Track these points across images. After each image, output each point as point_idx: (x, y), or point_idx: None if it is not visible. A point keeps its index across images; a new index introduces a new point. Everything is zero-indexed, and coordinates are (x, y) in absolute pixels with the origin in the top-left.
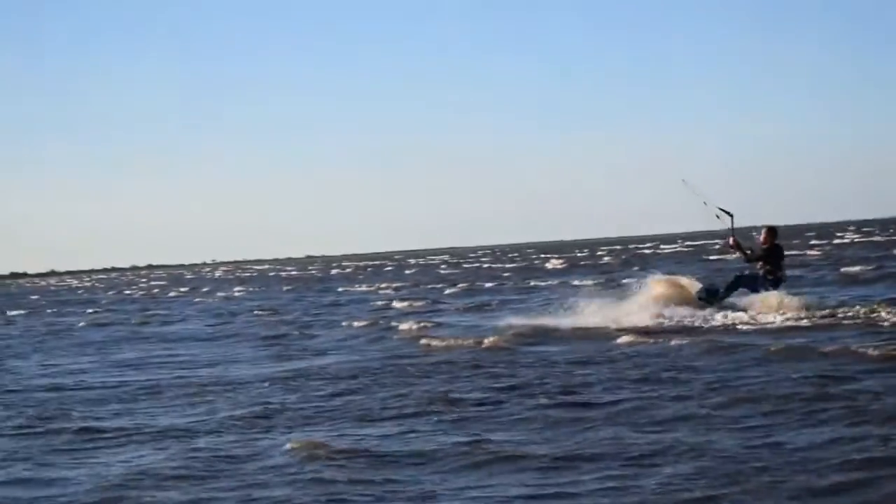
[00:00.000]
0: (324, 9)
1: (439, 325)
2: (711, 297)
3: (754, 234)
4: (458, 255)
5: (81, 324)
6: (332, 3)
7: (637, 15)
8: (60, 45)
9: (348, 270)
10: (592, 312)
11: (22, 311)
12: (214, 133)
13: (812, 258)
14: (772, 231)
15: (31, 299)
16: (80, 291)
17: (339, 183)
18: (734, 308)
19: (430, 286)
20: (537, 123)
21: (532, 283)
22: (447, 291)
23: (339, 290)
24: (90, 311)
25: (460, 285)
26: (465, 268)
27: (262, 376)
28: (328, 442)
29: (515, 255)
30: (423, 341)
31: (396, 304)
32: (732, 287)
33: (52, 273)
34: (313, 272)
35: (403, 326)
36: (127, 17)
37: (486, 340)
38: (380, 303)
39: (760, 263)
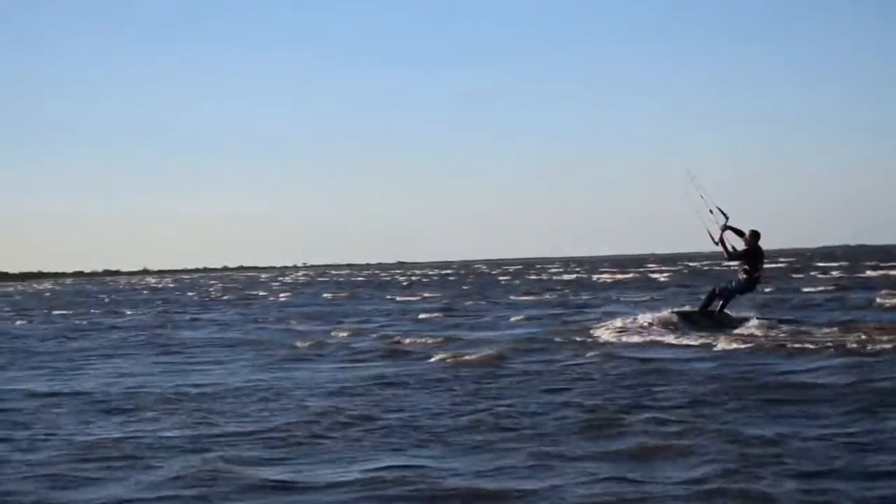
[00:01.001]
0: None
1: None
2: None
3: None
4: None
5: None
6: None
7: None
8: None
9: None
10: None
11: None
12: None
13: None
14: (755, 234)
15: (146, 297)
16: (190, 293)
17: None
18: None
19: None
20: None
21: None
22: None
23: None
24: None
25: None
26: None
27: None
28: None
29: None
30: None
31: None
32: (709, 300)
33: (145, 272)
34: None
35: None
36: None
37: None
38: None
39: (739, 263)
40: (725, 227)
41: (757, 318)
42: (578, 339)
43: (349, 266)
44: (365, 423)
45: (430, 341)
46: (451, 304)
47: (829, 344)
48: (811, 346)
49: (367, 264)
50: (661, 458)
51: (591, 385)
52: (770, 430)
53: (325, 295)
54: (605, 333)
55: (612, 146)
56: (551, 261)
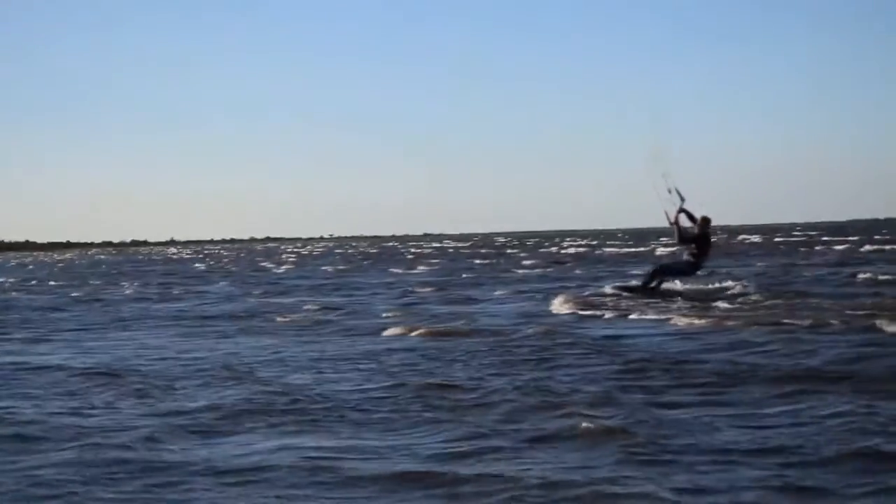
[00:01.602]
0: None
1: None
2: (646, 284)
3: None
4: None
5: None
6: None
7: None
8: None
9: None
10: None
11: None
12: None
13: None
14: (706, 220)
15: (154, 269)
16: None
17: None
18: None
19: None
20: None
21: None
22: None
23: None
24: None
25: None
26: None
27: None
28: None
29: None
30: None
31: None
32: (655, 275)
33: (172, 242)
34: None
35: None
36: None
37: None
38: None
39: (688, 246)
40: (681, 210)
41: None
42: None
43: (374, 238)
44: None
45: (390, 315)
46: (445, 280)
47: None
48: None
49: (393, 236)
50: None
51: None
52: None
53: (325, 268)
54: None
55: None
56: (581, 233)
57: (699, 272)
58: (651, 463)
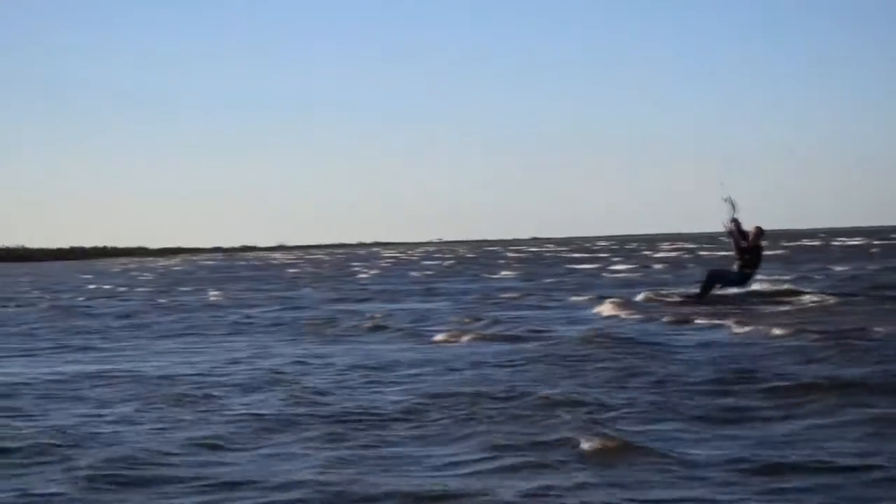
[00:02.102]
0: None
1: None
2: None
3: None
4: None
5: None
6: None
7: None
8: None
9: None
10: None
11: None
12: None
13: None
14: (759, 231)
15: (243, 275)
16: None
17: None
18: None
19: None
20: None
21: None
22: None
23: None
24: None
25: None
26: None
27: None
28: None
29: None
30: None
31: None
32: (709, 281)
33: (281, 247)
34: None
35: None
36: None
37: None
38: None
39: (741, 257)
40: (733, 220)
41: None
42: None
43: (480, 242)
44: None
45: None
46: (529, 285)
47: None
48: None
49: (500, 240)
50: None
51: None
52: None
53: (413, 273)
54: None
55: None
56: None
57: (750, 282)
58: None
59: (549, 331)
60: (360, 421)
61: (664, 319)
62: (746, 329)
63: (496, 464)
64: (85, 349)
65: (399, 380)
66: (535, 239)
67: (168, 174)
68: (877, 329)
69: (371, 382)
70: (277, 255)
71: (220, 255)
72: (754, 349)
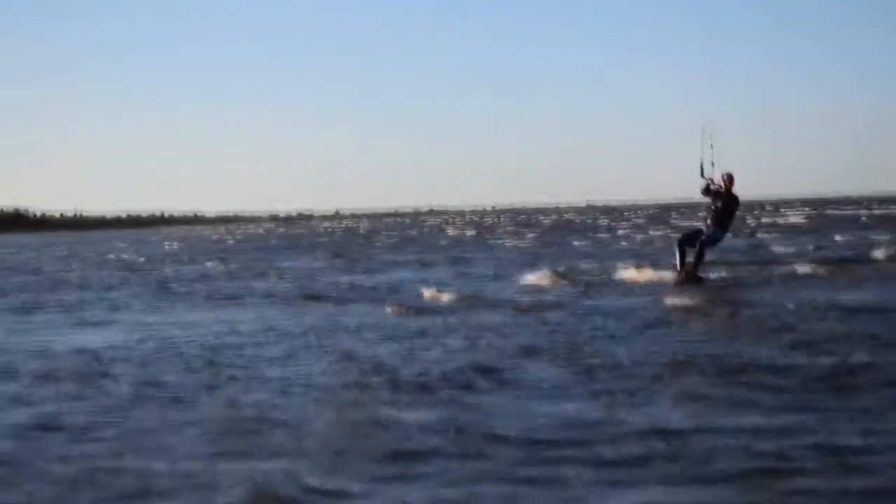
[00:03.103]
0: None
1: None
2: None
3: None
4: None
5: None
6: None
7: None
8: None
9: None
10: None
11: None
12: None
13: None
14: (730, 178)
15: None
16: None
17: None
18: None
19: None
20: None
21: None
22: None
23: None
24: None
25: None
26: None
27: None
28: None
29: None
30: None
31: None
32: (681, 252)
33: (337, 215)
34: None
35: None
36: None
37: None
38: None
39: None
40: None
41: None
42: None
43: (534, 209)
44: None
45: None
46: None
47: None
48: None
49: (556, 207)
50: None
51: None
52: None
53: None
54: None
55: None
56: None
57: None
58: None
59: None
60: None
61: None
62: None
63: None
64: None
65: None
66: (590, 206)
67: (229, 136)
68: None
69: None
70: (345, 222)
71: (277, 223)
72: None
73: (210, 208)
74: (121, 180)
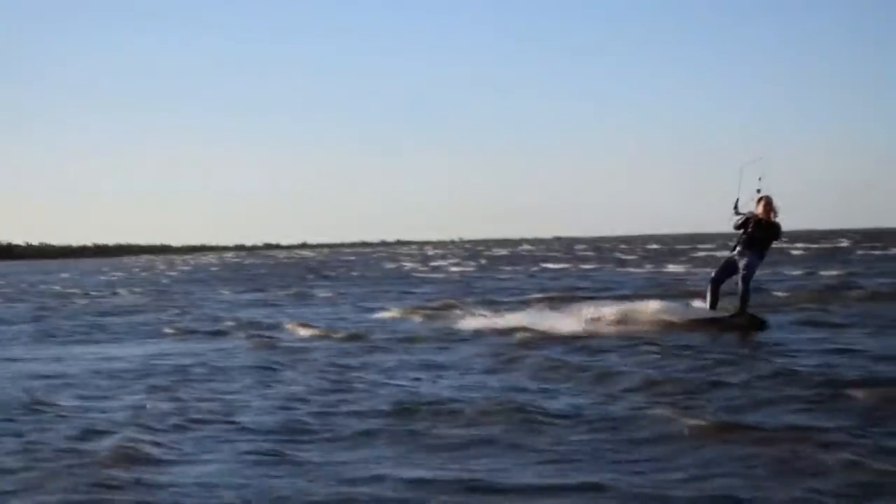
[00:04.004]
0: None
1: None
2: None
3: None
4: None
5: None
6: None
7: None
8: None
9: None
10: None
11: None
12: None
13: None
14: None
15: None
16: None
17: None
18: None
19: None
20: None
21: None
22: None
23: None
24: None
25: None
26: None
27: None
28: None
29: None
30: None
31: None
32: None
33: (304, 245)
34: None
35: None
36: None
37: None
38: None
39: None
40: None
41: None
42: None
43: (502, 241)
44: None
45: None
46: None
47: None
48: None
49: (523, 238)
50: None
51: None
52: None
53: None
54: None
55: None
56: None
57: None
58: None
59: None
60: None
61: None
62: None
63: None
64: None
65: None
66: (558, 238)
67: (186, 171)
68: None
69: None
70: (308, 252)
71: (243, 253)
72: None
73: (181, 239)
74: (93, 211)
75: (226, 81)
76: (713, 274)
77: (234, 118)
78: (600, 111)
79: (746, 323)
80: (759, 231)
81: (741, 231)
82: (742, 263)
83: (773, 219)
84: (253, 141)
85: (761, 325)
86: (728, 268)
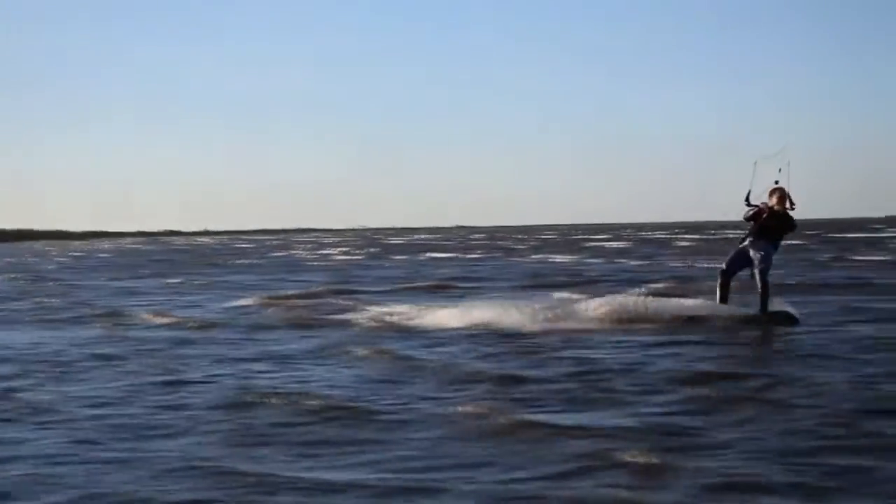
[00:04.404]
0: None
1: None
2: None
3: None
4: None
5: None
6: None
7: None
8: None
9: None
10: None
11: None
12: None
13: None
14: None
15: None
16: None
17: None
18: None
19: None
20: None
21: None
22: None
23: None
24: None
25: None
26: None
27: None
28: None
29: None
30: None
31: None
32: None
33: (206, 232)
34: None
35: None
36: None
37: None
38: None
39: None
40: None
41: None
42: None
43: (403, 229)
44: None
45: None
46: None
47: None
48: None
49: (423, 227)
50: None
51: None
52: None
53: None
54: None
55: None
56: None
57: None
58: None
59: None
60: None
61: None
62: None
63: None
64: None
65: None
66: (525, 227)
67: (86, 156)
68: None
69: None
70: (208, 239)
71: (143, 239)
72: None
73: (81, 225)
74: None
75: (122, 70)
76: (723, 265)
77: (139, 104)
78: (507, 103)
79: (772, 320)
80: (773, 221)
81: (752, 222)
82: (757, 255)
83: (787, 210)
84: (160, 129)
85: (791, 320)
86: (739, 259)
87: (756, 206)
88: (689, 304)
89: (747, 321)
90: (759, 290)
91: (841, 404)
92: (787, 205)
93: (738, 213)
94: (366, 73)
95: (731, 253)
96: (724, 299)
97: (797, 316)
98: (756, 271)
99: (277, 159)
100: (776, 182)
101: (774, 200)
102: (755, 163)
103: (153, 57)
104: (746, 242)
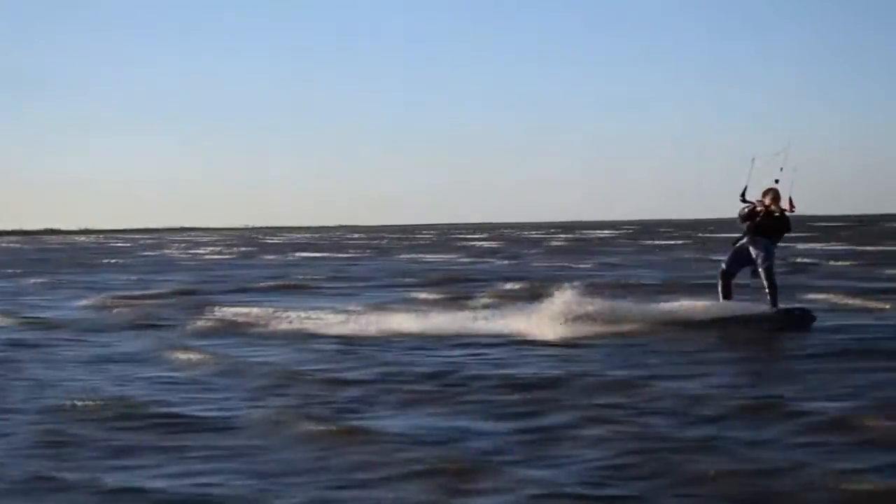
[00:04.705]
0: None
1: None
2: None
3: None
4: None
5: None
6: None
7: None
8: None
9: None
10: None
11: None
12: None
13: None
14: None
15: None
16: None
17: None
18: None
19: None
20: None
21: None
22: None
23: None
24: None
25: None
26: None
27: None
28: None
29: None
30: None
31: None
32: (726, 283)
33: (86, 231)
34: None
35: None
36: None
37: None
38: None
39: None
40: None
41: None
42: None
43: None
44: None
45: None
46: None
47: None
48: None
49: (308, 227)
50: None
51: None
52: None
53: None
54: None
55: None
56: None
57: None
58: None
59: None
60: None
61: None
62: None
63: None
64: None
65: None
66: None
67: None
68: None
69: None
70: (85, 238)
71: (19, 237)
72: None
73: None
74: None
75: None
76: (723, 266)
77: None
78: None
79: (787, 319)
80: (769, 221)
81: (747, 222)
82: (759, 254)
83: (781, 211)
84: (38, 123)
85: (807, 318)
86: (739, 258)
87: (751, 202)
88: (701, 305)
89: (763, 319)
90: (766, 287)
91: None
92: (786, 206)
93: (735, 210)
94: (249, 72)
95: (729, 252)
96: (727, 297)
97: (811, 313)
98: (760, 269)
99: (161, 157)
100: (776, 181)
101: (768, 200)
102: (753, 160)
103: None
104: (745, 241)
